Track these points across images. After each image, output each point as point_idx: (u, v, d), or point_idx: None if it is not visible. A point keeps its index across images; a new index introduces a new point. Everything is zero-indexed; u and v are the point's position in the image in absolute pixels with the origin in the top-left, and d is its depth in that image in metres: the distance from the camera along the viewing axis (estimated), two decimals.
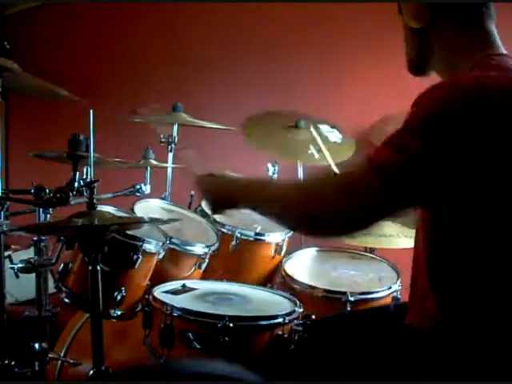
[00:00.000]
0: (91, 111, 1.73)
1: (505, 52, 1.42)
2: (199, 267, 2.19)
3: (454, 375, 1.26)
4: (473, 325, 1.29)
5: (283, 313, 1.78)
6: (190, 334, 1.72)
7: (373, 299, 2.10)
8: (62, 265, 1.95)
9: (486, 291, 1.26)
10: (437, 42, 1.44)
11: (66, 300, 1.95)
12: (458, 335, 1.30)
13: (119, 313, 1.96)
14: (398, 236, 2.38)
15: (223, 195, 1.51)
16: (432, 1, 1.41)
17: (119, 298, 1.92)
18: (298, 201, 1.32)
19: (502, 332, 1.27)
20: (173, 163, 2.88)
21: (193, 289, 1.98)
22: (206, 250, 2.20)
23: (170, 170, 2.90)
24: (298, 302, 1.90)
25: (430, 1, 1.41)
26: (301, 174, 3.01)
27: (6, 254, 1.95)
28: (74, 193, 1.83)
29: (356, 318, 1.77)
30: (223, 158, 3.49)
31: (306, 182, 1.44)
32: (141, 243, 1.94)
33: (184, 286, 1.99)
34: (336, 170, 2.18)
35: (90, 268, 1.59)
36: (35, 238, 1.87)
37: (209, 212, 2.29)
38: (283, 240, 2.43)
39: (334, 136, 2.93)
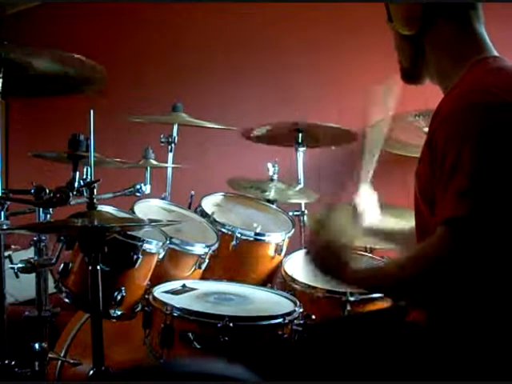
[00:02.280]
0: (91, 111, 1.73)
1: (497, 54, 1.42)
2: (199, 267, 2.19)
3: (454, 370, 1.26)
4: (461, 323, 1.30)
5: (283, 313, 1.78)
6: (190, 334, 1.72)
7: (373, 299, 2.09)
8: (62, 265, 1.95)
9: (476, 292, 1.27)
10: (429, 48, 1.43)
11: (66, 300, 1.95)
12: (450, 332, 1.30)
13: (119, 313, 1.96)
14: None
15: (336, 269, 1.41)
16: (421, 1, 1.41)
17: (119, 298, 1.92)
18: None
19: (492, 331, 1.28)
20: (173, 163, 2.89)
21: (193, 289, 1.98)
22: (206, 249, 2.20)
23: (170, 170, 2.90)
24: (298, 302, 1.90)
25: (419, 1, 1.40)
26: (301, 174, 3.01)
27: (6, 254, 1.94)
28: (74, 193, 1.83)
29: (356, 319, 1.77)
30: (223, 158, 3.50)
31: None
32: (141, 243, 1.94)
33: (184, 285, 1.99)
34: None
35: (90, 268, 1.59)
36: (35, 238, 1.87)
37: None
38: (283, 240, 2.43)
39: None
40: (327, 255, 1.41)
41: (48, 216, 1.90)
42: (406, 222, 1.81)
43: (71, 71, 1.96)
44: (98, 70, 1.97)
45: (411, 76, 1.50)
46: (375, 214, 1.82)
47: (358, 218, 1.77)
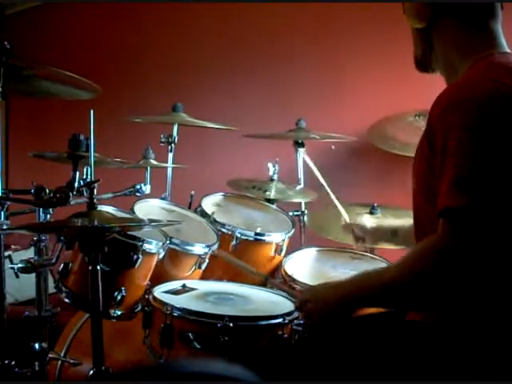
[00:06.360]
0: (91, 111, 1.73)
1: (508, 51, 1.43)
2: (199, 267, 2.19)
3: (455, 369, 1.26)
4: (462, 320, 1.30)
5: (283, 313, 1.78)
6: (190, 334, 1.72)
7: None
8: (62, 265, 1.95)
9: (473, 293, 1.27)
10: (438, 41, 1.47)
11: (66, 300, 1.95)
12: (450, 332, 1.30)
13: (119, 313, 1.95)
14: None
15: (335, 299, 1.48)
16: (433, 1, 1.42)
17: (119, 298, 1.92)
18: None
19: (493, 328, 1.28)
20: (173, 163, 2.89)
21: (193, 289, 1.98)
22: (206, 249, 2.19)
23: (170, 170, 2.90)
24: None
25: (430, 1, 1.43)
26: (301, 174, 3.01)
27: (6, 254, 1.94)
28: (74, 193, 1.83)
29: (356, 319, 1.76)
30: (223, 158, 3.50)
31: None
32: (141, 243, 1.93)
33: (184, 285, 1.99)
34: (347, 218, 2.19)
35: (90, 268, 1.59)
36: (35, 238, 1.87)
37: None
38: (283, 240, 2.43)
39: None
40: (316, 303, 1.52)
41: (48, 216, 1.89)
42: (405, 222, 1.82)
43: (65, 90, 1.99)
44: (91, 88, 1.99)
45: (422, 65, 1.56)
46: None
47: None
